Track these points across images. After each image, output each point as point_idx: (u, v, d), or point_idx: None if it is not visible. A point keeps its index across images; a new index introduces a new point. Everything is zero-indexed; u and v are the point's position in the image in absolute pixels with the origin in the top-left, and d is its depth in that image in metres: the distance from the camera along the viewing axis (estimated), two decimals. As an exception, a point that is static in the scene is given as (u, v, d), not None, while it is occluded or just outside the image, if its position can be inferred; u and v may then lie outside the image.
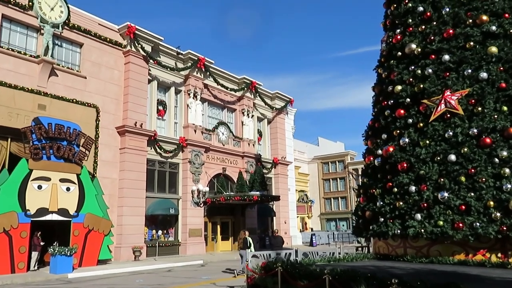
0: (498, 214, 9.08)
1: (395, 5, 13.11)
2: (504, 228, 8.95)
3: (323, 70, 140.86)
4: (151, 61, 23.87)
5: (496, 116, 9.69)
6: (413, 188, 10.48)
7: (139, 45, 22.96)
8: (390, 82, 12.27)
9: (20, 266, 15.40)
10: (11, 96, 17.49)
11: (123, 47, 22.84)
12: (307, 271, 8.06)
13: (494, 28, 10.44)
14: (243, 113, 30.97)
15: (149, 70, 24.08)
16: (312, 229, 53.45)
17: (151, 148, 23.61)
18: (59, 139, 17.41)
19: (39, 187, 16.55)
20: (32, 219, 16.08)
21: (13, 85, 17.62)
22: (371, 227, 11.59)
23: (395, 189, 10.94)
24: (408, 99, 11.42)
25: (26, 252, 15.75)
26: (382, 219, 11.16)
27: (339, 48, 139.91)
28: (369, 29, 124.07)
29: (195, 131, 26.31)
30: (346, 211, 63.35)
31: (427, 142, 10.53)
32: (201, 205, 25.83)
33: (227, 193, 26.91)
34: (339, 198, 64.20)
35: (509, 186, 9.07)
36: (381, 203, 11.32)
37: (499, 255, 9.37)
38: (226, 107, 30.52)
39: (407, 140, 11.05)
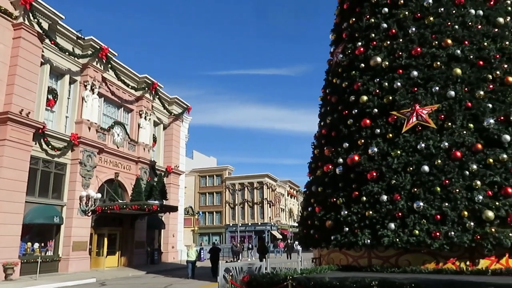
0: (472, 224, 9.58)
1: (354, 19, 13.47)
2: (478, 237, 9.46)
3: (196, 86, 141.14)
4: (46, 41, 20.08)
5: (464, 132, 10.37)
6: (384, 197, 10.47)
7: (35, 20, 19.11)
8: (353, 92, 12.33)
9: None
10: None
11: (13, 18, 18.70)
12: (324, 283, 7.12)
13: (458, 52, 11.30)
14: (140, 115, 28.36)
15: (42, 51, 20.20)
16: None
17: (35, 143, 19.63)
18: None
19: None
20: None
21: None
22: (333, 237, 11.21)
23: (364, 198, 10.81)
24: (375, 110, 11.56)
25: None
26: (348, 229, 10.89)
27: (211, 68, 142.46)
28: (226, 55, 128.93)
29: (89, 128, 22.92)
30: (220, 226, 63.16)
31: (398, 152, 10.71)
32: (89, 214, 22.39)
33: (123, 201, 23.95)
34: (214, 213, 63.76)
35: (480, 197, 9.67)
36: (346, 212, 11.07)
37: (468, 263, 9.86)
38: (123, 106, 27.54)
39: (375, 149, 11.10)
